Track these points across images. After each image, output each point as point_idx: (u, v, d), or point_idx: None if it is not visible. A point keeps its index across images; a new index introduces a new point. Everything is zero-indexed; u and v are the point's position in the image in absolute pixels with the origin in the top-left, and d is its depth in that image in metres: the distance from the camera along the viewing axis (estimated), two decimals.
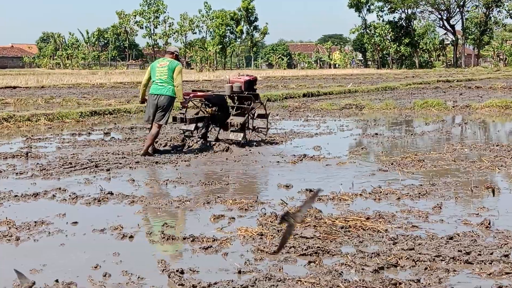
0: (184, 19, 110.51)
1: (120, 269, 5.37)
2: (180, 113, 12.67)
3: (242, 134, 12.36)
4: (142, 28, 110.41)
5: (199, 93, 12.85)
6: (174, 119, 12.53)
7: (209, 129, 12.95)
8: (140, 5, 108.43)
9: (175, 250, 6.00)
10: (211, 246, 5.98)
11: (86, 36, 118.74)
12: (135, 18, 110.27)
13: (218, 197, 8.02)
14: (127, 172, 10.00)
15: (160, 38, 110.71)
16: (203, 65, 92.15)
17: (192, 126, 12.57)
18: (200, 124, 12.82)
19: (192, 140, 12.54)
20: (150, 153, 11.47)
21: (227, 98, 13.01)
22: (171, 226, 6.70)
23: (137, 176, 9.59)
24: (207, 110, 12.73)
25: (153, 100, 11.58)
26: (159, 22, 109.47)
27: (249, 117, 12.91)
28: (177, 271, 5.23)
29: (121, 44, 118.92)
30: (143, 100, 12.41)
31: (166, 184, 9.08)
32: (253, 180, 9.45)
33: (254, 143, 12.99)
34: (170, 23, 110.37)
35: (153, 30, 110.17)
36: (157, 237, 6.36)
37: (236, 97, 12.86)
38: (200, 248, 5.96)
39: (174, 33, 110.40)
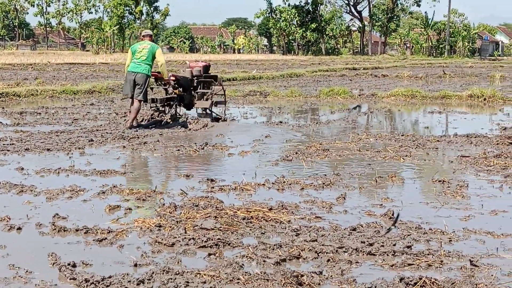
0: None
1: (7, 262, 5.09)
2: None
3: (209, 103, 14.21)
4: (34, 6, 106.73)
5: (175, 76, 14.03)
6: (152, 100, 13.71)
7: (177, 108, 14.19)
8: None
9: (66, 242, 5.67)
10: (106, 238, 5.73)
11: None
12: None
13: (114, 186, 7.70)
14: (16, 160, 9.51)
15: (53, 18, 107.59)
16: (99, 47, 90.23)
17: (161, 106, 13.91)
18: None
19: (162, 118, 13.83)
20: (134, 125, 12.87)
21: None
22: (62, 217, 6.36)
23: (26, 164, 9.10)
24: (175, 91, 13.74)
25: (131, 76, 12.94)
26: (52, 0, 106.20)
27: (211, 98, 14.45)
28: (68, 264, 4.99)
29: (10, 22, 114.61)
30: None
31: (58, 173, 8.66)
32: (152, 169, 9.15)
33: (154, 130, 12.71)
34: (64, 1, 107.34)
35: (46, 8, 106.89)
36: (47, 228, 6.04)
37: (196, 80, 14.28)
38: (94, 240, 5.71)
39: (69, 12, 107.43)
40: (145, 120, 13.93)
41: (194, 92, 14.29)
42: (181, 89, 13.92)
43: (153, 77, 13.74)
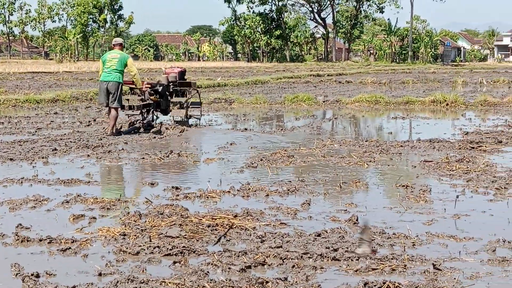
0: (42, 6, 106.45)
1: None
2: (126, 99, 14.21)
3: (184, 112, 14.77)
4: None
5: (150, 84, 14.44)
6: (124, 107, 13.80)
7: (153, 115, 14.61)
8: None
9: (30, 252, 5.62)
10: (70, 248, 5.70)
11: None
12: None
13: (79, 195, 7.64)
14: None
15: (15, 26, 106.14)
16: (63, 55, 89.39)
17: (138, 112, 14.22)
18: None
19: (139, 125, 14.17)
20: (114, 133, 13.13)
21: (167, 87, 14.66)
22: (26, 227, 6.30)
23: None
24: (151, 98, 14.16)
25: (104, 85, 13.31)
26: (15, 8, 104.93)
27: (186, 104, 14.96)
28: (32, 275, 4.95)
29: None
30: None
31: (22, 182, 8.57)
32: (116, 177, 9.09)
33: (119, 139, 12.66)
34: (27, 10, 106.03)
35: (8, 17, 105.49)
36: (10, 239, 5.98)
37: (172, 86, 14.75)
38: (58, 250, 5.67)
39: (32, 21, 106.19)
40: (125, 127, 14.24)
41: (170, 98, 14.73)
42: (157, 96, 14.27)
43: (128, 86, 14.28)
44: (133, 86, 14.21)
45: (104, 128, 13.98)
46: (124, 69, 13.52)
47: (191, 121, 15.24)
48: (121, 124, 14.28)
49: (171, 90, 14.74)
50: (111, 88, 13.23)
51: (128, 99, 14.36)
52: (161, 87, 14.35)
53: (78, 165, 9.96)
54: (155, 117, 14.66)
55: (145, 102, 14.23)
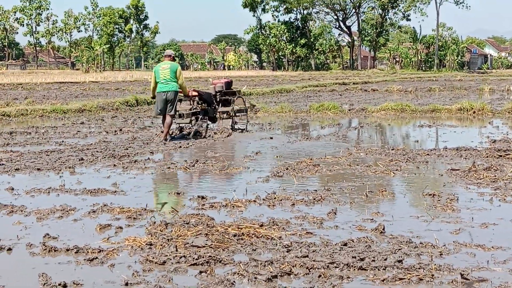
0: (68, 16, 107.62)
1: None
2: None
3: (231, 121, 15.84)
4: (23, 25, 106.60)
5: (197, 92, 15.43)
6: (179, 115, 14.82)
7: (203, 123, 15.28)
8: (21, 1, 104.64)
9: (57, 262, 5.65)
10: (97, 258, 5.71)
11: None
12: (15, 15, 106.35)
13: (105, 205, 7.69)
14: (6, 180, 9.49)
15: (42, 37, 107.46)
16: (89, 65, 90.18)
17: (188, 120, 15.07)
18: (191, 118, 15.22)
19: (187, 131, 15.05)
20: (167, 138, 13.99)
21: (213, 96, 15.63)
22: (53, 237, 6.34)
23: (16, 184, 9.08)
24: (199, 106, 15.22)
25: (162, 96, 14.16)
26: (42, 19, 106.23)
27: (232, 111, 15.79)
28: (59, 284, 4.97)
29: (0, 42, 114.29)
30: (154, 96, 14.69)
31: (49, 192, 8.64)
32: (141, 187, 9.10)
33: (145, 149, 12.72)
34: (53, 20, 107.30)
35: (35, 28, 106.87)
36: (38, 249, 6.01)
37: (218, 96, 15.64)
38: (84, 259, 5.68)
39: (58, 31, 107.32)
40: (175, 134, 15.02)
41: (217, 107, 15.66)
42: (204, 104, 15.30)
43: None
44: (181, 93, 14.80)
45: (156, 134, 14.83)
46: (176, 78, 14.30)
47: (236, 126, 16.10)
48: (172, 130, 14.93)
49: (217, 99, 15.64)
50: (169, 97, 14.14)
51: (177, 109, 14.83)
52: (206, 95, 15.43)
53: (104, 174, 10.01)
54: (205, 124, 15.26)
55: (193, 111, 15.12)
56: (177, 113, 14.67)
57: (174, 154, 12.22)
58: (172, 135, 14.65)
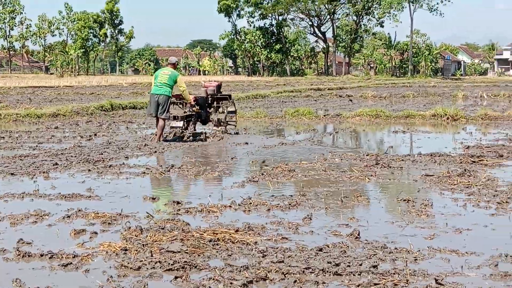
0: (43, 20, 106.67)
1: None
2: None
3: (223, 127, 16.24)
4: None
5: (195, 98, 15.82)
6: (174, 117, 15.29)
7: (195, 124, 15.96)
8: None
9: (31, 268, 5.60)
10: (71, 263, 5.68)
11: None
12: None
13: (80, 210, 7.64)
14: None
15: (16, 41, 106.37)
16: (64, 70, 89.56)
17: (181, 123, 15.42)
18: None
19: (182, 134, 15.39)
20: (161, 140, 14.54)
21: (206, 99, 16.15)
22: (27, 243, 6.29)
23: None
24: (193, 109, 15.72)
25: (154, 98, 14.76)
26: (15, 23, 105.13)
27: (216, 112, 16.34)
28: None
29: None
30: None
31: (23, 197, 8.56)
32: (116, 192, 9.05)
33: (120, 154, 12.66)
34: (27, 24, 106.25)
35: (9, 32, 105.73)
36: (11, 254, 5.96)
37: (210, 98, 16.18)
38: (59, 265, 5.65)
39: (32, 36, 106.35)
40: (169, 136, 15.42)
41: (209, 110, 16.21)
42: (198, 107, 15.86)
43: (176, 99, 15.47)
44: (183, 100, 15.46)
45: (150, 137, 15.21)
46: (174, 84, 14.85)
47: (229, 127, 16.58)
48: (166, 133, 15.36)
49: (209, 101, 16.20)
50: (161, 101, 14.65)
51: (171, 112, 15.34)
52: (200, 99, 15.90)
53: (79, 179, 9.95)
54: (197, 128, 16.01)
55: (187, 113, 15.70)
56: (171, 115, 15.18)
57: (149, 159, 12.17)
58: (166, 138, 15.08)
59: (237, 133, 16.41)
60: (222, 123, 16.39)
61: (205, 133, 15.54)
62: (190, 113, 15.78)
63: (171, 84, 14.78)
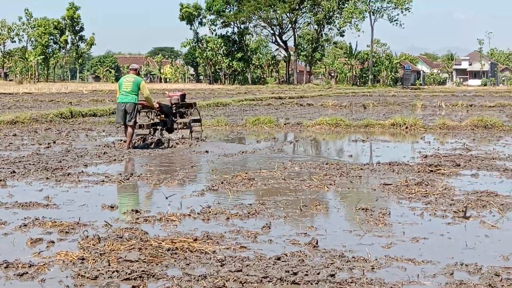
0: (2, 26, 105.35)
1: None
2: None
3: (188, 131, 16.82)
4: None
5: (159, 104, 16.31)
6: (140, 126, 15.60)
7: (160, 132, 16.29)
8: None
9: None
10: (27, 273, 5.61)
11: None
12: None
13: (37, 219, 7.55)
14: None
15: None
16: (23, 76, 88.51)
17: (147, 131, 15.95)
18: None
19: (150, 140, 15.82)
20: (130, 147, 14.84)
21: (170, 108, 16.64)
22: None
23: None
24: (158, 117, 16.20)
25: (121, 107, 14.94)
26: None
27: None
28: None
29: None
30: None
31: None
32: (74, 200, 8.96)
33: (79, 161, 12.54)
34: None
35: None
36: None
37: (174, 107, 16.69)
38: (14, 274, 5.58)
39: None
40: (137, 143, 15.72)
41: (174, 118, 16.69)
42: (163, 115, 16.28)
43: (140, 105, 15.47)
44: (147, 105, 15.61)
45: (119, 144, 15.41)
46: (139, 91, 15.08)
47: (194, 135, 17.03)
48: (134, 140, 15.57)
49: (174, 110, 16.66)
50: (128, 108, 14.87)
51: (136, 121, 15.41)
52: (165, 107, 16.30)
53: (36, 188, 9.83)
54: (166, 135, 16.42)
55: (153, 121, 16.12)
56: (137, 124, 15.36)
57: (109, 167, 12.08)
58: (135, 145, 15.37)
59: (203, 140, 16.66)
60: (187, 129, 16.92)
61: (169, 140, 15.83)
62: (156, 121, 16.15)
63: (136, 90, 15.00)
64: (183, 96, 17.37)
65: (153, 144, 15.57)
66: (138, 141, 15.82)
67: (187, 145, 15.54)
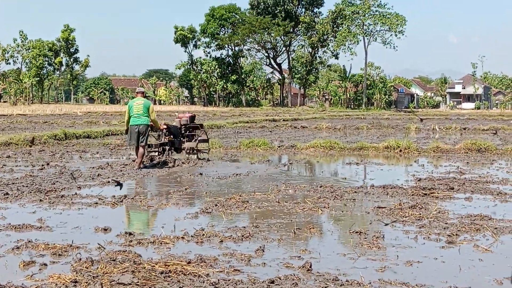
0: None
1: None
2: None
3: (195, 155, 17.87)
4: None
5: (167, 125, 17.38)
6: (149, 146, 16.63)
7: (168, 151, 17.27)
8: None
9: None
10: None
11: None
12: None
13: (30, 241, 7.52)
14: None
15: None
16: (17, 98, 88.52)
17: (156, 152, 16.99)
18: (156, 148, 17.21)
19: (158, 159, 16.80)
20: (141, 167, 15.51)
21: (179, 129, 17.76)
22: None
23: None
24: (167, 138, 17.23)
25: (135, 129, 15.73)
26: None
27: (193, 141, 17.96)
28: None
29: None
30: (127, 129, 16.03)
31: None
32: (67, 223, 8.93)
33: (72, 184, 12.50)
34: None
35: None
36: None
37: (184, 128, 17.86)
38: None
39: None
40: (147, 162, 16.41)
41: (182, 139, 17.78)
42: (171, 136, 17.25)
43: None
44: (153, 125, 16.27)
45: (131, 164, 15.98)
46: (148, 112, 15.87)
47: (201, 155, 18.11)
48: (144, 161, 16.12)
49: (182, 131, 17.75)
50: (141, 130, 15.69)
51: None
52: (173, 128, 17.33)
53: (30, 210, 9.80)
54: (173, 156, 17.26)
55: (161, 142, 17.16)
56: (148, 144, 16.20)
57: (102, 189, 12.05)
58: (145, 164, 16.07)
59: (209, 160, 17.58)
60: (194, 151, 17.81)
61: (175, 160, 16.59)
62: (163, 141, 17.10)
63: (147, 112, 15.83)
64: (192, 118, 18.30)
65: (160, 163, 16.24)
66: (146, 161, 16.37)
67: (193, 164, 16.38)
